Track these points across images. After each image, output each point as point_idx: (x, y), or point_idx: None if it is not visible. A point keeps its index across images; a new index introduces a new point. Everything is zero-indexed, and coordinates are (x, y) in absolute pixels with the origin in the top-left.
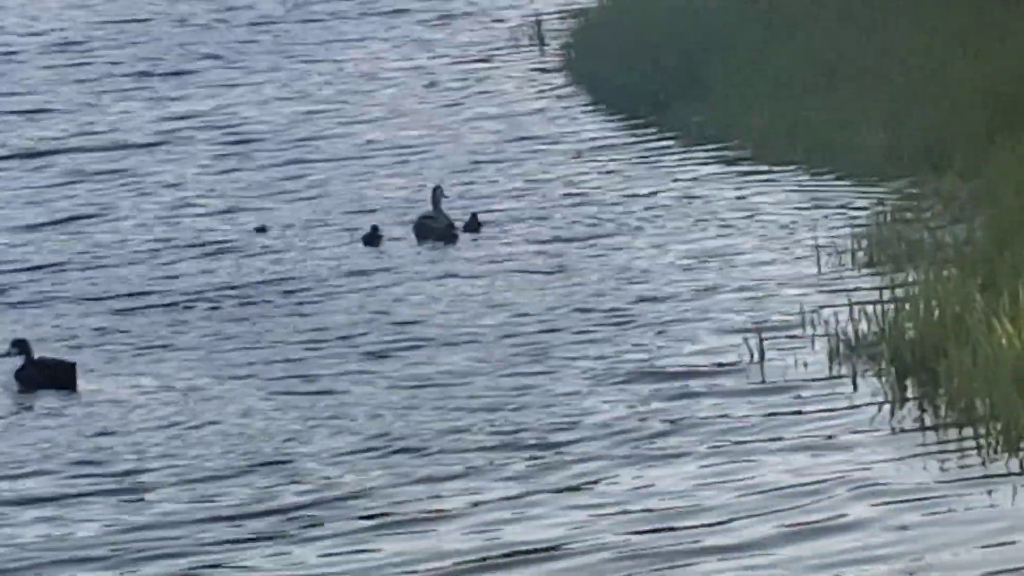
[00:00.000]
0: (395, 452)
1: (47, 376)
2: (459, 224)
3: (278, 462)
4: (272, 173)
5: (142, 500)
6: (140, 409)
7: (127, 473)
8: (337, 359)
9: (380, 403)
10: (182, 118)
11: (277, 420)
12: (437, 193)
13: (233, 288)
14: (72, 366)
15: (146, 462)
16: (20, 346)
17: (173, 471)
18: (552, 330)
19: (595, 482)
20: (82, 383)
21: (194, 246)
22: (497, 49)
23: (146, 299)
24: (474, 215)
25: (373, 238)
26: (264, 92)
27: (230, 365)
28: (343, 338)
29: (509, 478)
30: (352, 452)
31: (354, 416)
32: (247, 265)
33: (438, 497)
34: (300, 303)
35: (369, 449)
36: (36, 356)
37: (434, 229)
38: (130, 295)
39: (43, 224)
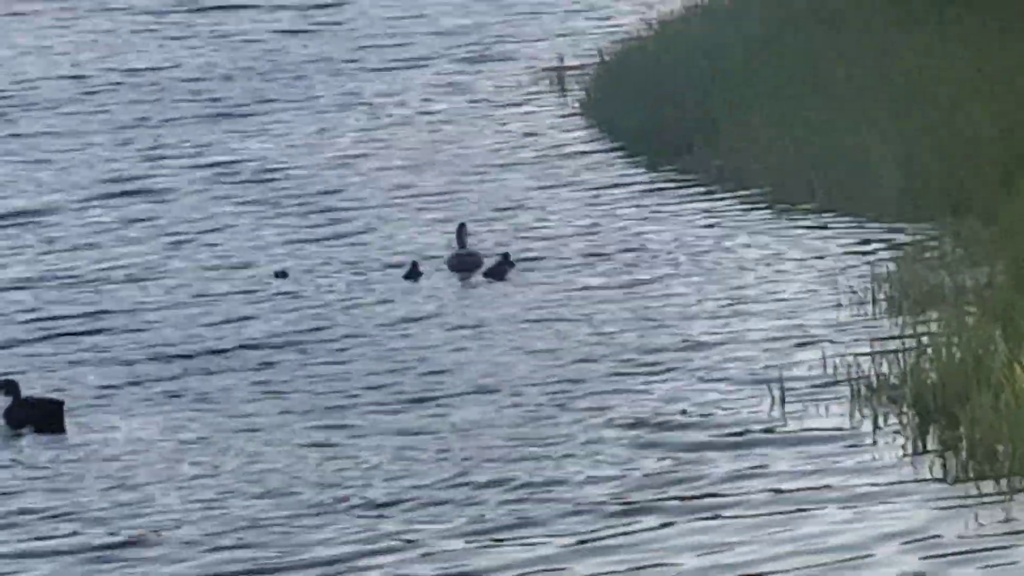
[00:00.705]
0: (418, 506)
1: (34, 416)
2: (488, 262)
3: (280, 517)
4: (297, 218)
5: (121, 552)
6: (130, 454)
7: (100, 520)
8: (356, 406)
9: (403, 453)
10: (206, 166)
11: (281, 471)
12: (462, 231)
13: (248, 334)
14: (60, 405)
15: (129, 509)
16: (7, 387)
17: (158, 520)
18: (574, 380)
19: (624, 534)
20: (72, 424)
21: (208, 293)
22: (518, 94)
23: (155, 344)
24: (506, 255)
25: (413, 273)
26: (291, 138)
27: (237, 414)
28: (365, 386)
29: (540, 533)
30: (371, 506)
31: (376, 465)
32: (264, 310)
33: (463, 551)
34: (315, 350)
35: (389, 504)
36: (24, 395)
37: (468, 263)
38: (138, 341)
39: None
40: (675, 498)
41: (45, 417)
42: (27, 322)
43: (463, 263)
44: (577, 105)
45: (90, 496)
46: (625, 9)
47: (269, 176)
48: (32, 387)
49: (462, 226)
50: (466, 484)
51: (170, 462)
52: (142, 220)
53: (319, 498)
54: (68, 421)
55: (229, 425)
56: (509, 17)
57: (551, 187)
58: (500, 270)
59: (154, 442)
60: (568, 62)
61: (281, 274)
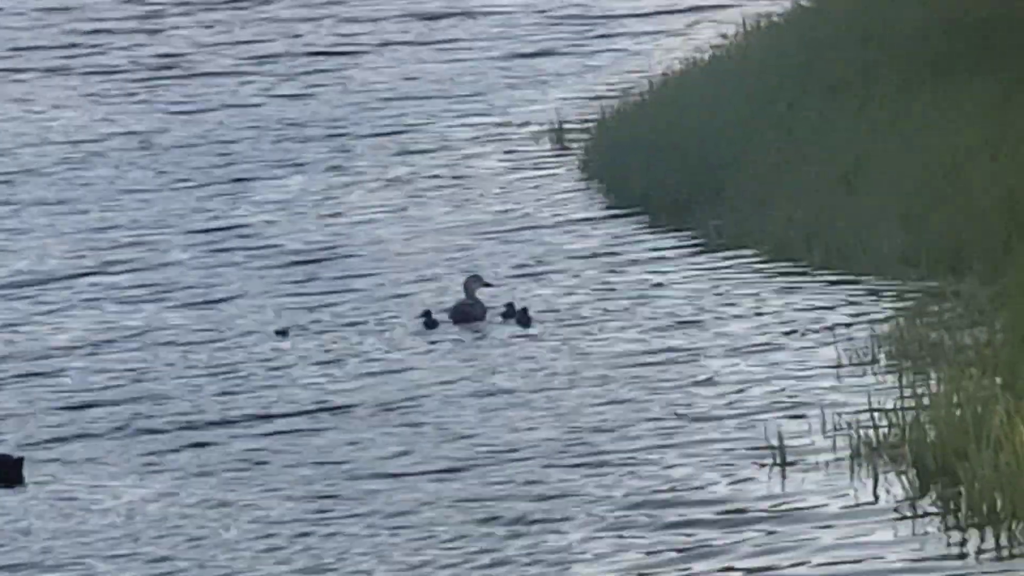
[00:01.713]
0: None
1: None
2: (496, 315)
3: None
4: (298, 280)
5: None
6: (86, 512)
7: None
8: (352, 475)
9: (407, 525)
10: (207, 231)
11: (247, 541)
12: (471, 283)
13: (241, 395)
14: (19, 462)
15: (83, 567)
16: None
17: None
18: (569, 448)
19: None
20: (32, 480)
21: (205, 354)
22: (519, 154)
23: (141, 406)
24: (524, 310)
25: (429, 322)
26: (291, 200)
27: (219, 480)
28: (357, 455)
29: None
30: None
31: (365, 541)
32: (262, 368)
33: None
34: (313, 411)
35: None
36: None
37: (471, 313)
38: (117, 398)
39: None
40: (680, 569)
41: (3, 473)
42: (17, 384)
43: (466, 314)
44: (577, 164)
45: (43, 555)
46: (625, 68)
47: (267, 239)
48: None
49: (473, 278)
50: (462, 561)
51: (131, 524)
52: (138, 285)
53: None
54: (28, 477)
55: (212, 491)
56: (509, 78)
57: (549, 247)
58: (525, 316)
59: (121, 503)
60: (568, 122)
61: (282, 332)
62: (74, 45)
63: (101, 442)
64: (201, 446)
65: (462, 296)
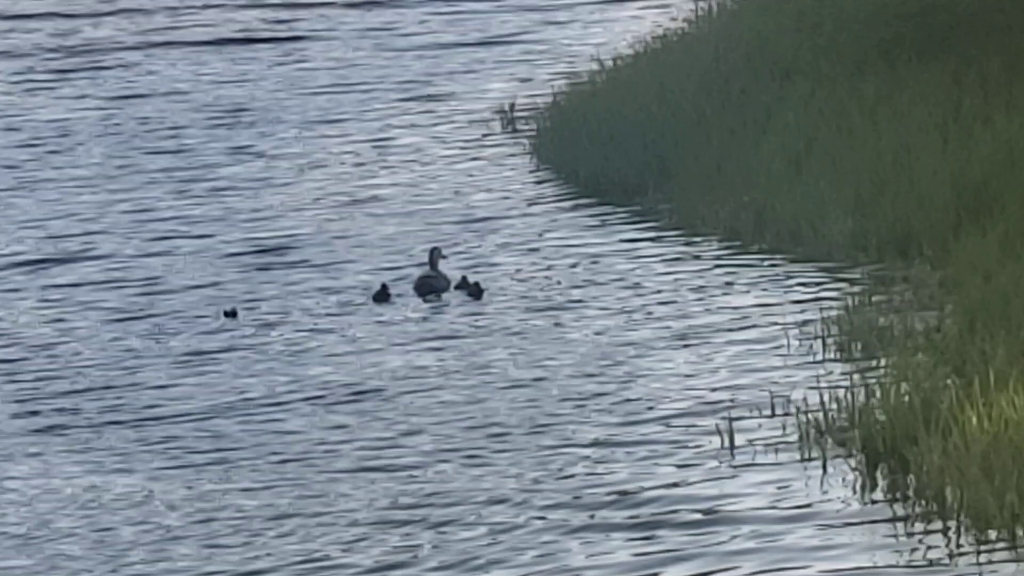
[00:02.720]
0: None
1: None
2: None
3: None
4: (240, 268)
5: None
6: (48, 506)
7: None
8: (319, 460)
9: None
10: (156, 220)
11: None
12: (435, 255)
13: (192, 379)
14: None
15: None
16: None
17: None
18: (518, 406)
19: (551, 554)
20: None
21: (152, 335)
22: (470, 136)
23: (92, 395)
24: (476, 283)
25: (383, 295)
26: (229, 189)
27: (179, 471)
28: (322, 439)
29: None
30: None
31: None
32: (212, 350)
33: None
34: (267, 391)
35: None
36: None
37: (435, 287)
38: (69, 389)
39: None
40: (612, 525)
41: None
42: None
43: (430, 285)
44: (529, 147)
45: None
46: (577, 52)
47: (212, 227)
48: None
49: (435, 250)
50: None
51: (94, 517)
52: (83, 277)
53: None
54: None
55: (170, 482)
56: (460, 61)
57: (499, 230)
58: (478, 289)
59: (81, 495)
60: (519, 107)
61: (230, 314)
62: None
63: (59, 434)
64: (166, 438)
65: (426, 268)
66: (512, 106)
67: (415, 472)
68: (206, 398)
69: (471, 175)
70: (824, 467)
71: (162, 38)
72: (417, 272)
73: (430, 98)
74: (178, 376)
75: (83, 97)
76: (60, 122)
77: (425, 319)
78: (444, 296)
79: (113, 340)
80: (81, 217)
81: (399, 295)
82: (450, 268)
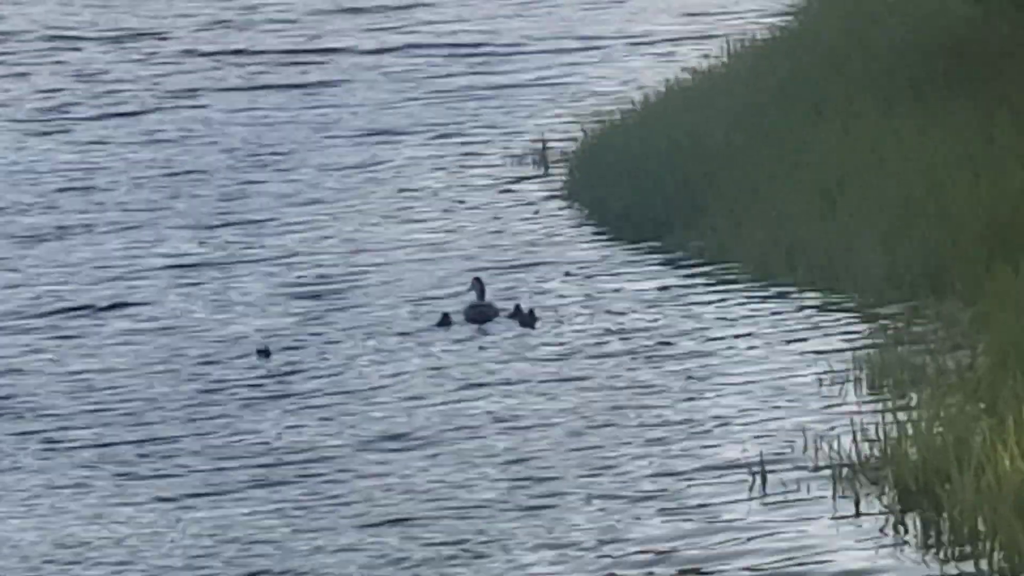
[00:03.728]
0: None
1: None
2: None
3: None
4: (281, 298)
5: None
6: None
7: None
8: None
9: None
10: (185, 254)
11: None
12: (480, 284)
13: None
14: None
15: None
16: None
17: None
18: (554, 447)
19: None
20: None
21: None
22: (501, 174)
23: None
24: (531, 311)
25: (445, 322)
26: (261, 223)
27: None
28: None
29: None
30: None
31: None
32: (240, 386)
33: None
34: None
35: None
36: None
37: (487, 315)
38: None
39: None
40: (649, 567)
41: None
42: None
43: (481, 314)
44: (561, 185)
45: None
46: (607, 91)
47: (248, 252)
48: None
49: (478, 279)
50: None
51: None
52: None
53: None
54: None
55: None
56: (490, 99)
57: (531, 266)
58: (531, 318)
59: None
60: (551, 142)
61: (264, 352)
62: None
63: (98, 478)
64: (203, 471)
65: (471, 298)
66: (544, 145)
67: (455, 520)
68: (251, 441)
69: (503, 214)
70: (856, 505)
71: (191, 83)
72: (460, 303)
73: (461, 138)
74: (216, 418)
75: (104, 142)
76: (81, 166)
77: (482, 348)
78: (495, 325)
79: (152, 386)
80: (110, 263)
81: (456, 323)
82: (494, 299)
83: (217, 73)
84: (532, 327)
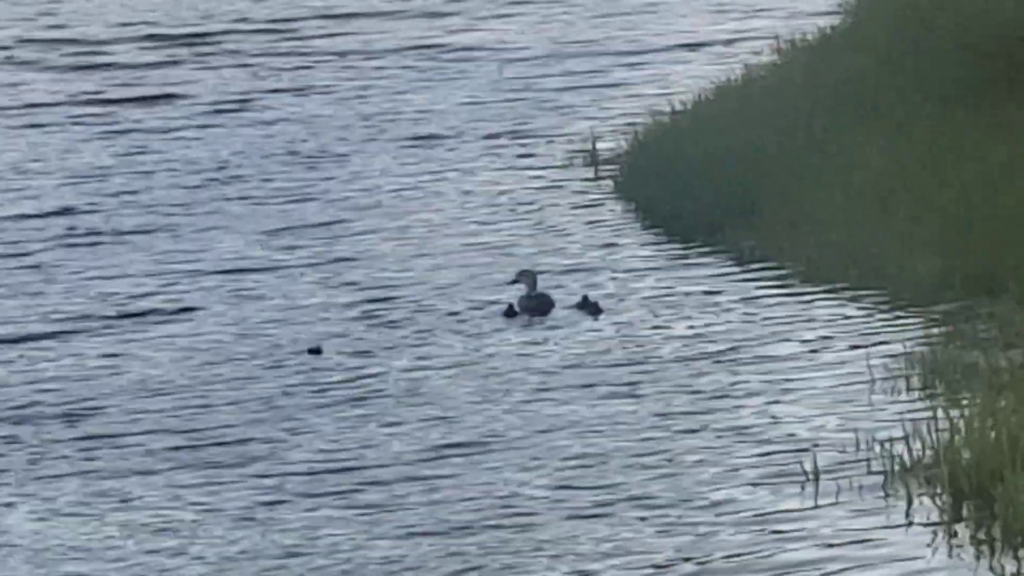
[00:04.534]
0: None
1: None
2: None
3: None
4: (340, 301)
5: None
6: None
7: None
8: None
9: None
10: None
11: None
12: (529, 276)
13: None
14: None
15: None
16: None
17: None
18: (604, 457)
19: None
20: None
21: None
22: (551, 175)
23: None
24: (596, 303)
25: (511, 312)
26: (330, 215)
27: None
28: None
29: None
30: None
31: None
32: (292, 385)
33: None
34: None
35: None
36: None
37: (545, 304)
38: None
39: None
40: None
41: None
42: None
43: (541, 304)
44: (612, 186)
45: None
46: (657, 91)
47: (298, 267)
48: None
49: (525, 272)
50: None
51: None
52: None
53: None
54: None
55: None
56: (540, 101)
57: (583, 269)
58: (597, 308)
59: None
60: (601, 145)
61: (315, 351)
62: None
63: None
64: (280, 489)
65: (523, 291)
66: (595, 145)
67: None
68: (313, 448)
69: (555, 215)
70: (909, 505)
71: (244, 86)
72: (512, 296)
73: (512, 140)
74: (277, 422)
75: (156, 143)
76: (138, 169)
77: (545, 348)
78: (555, 315)
79: (211, 391)
80: (167, 266)
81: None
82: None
83: (270, 75)
84: (597, 317)
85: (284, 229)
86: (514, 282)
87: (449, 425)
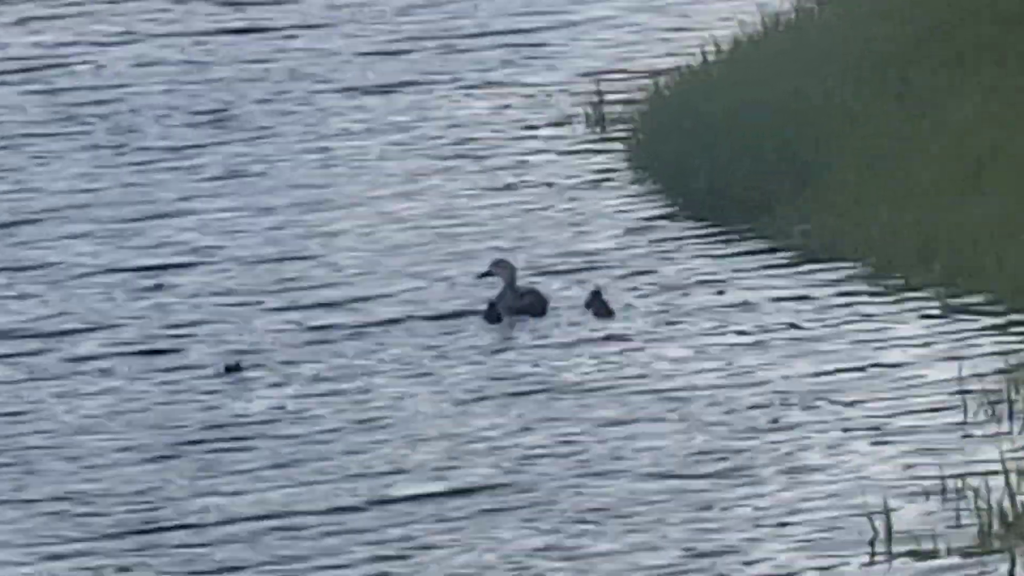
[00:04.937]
0: None
1: None
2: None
3: None
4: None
5: None
6: None
7: None
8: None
9: None
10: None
11: None
12: (506, 268)
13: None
14: None
15: None
16: None
17: None
18: (669, 475)
19: None
20: None
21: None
22: (546, 136)
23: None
24: (606, 302)
25: (491, 315)
26: (293, 171)
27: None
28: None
29: None
30: None
31: None
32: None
33: None
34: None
35: None
36: None
37: (538, 303)
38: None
39: None
40: None
41: None
42: None
43: (532, 304)
44: (622, 153)
45: None
46: (683, 30)
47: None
48: None
49: (501, 261)
50: None
51: None
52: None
53: None
54: None
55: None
56: (526, 45)
57: (590, 254)
58: (606, 306)
59: None
60: (610, 99)
61: (233, 368)
62: None
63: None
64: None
65: (499, 286)
66: (600, 98)
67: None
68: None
69: (547, 190)
70: (1012, 567)
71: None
72: (489, 292)
73: (500, 89)
74: (183, 470)
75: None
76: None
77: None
78: (551, 317)
79: (100, 424)
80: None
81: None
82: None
83: (144, 21)
84: (606, 320)
85: (190, 213)
86: (486, 275)
87: (409, 469)
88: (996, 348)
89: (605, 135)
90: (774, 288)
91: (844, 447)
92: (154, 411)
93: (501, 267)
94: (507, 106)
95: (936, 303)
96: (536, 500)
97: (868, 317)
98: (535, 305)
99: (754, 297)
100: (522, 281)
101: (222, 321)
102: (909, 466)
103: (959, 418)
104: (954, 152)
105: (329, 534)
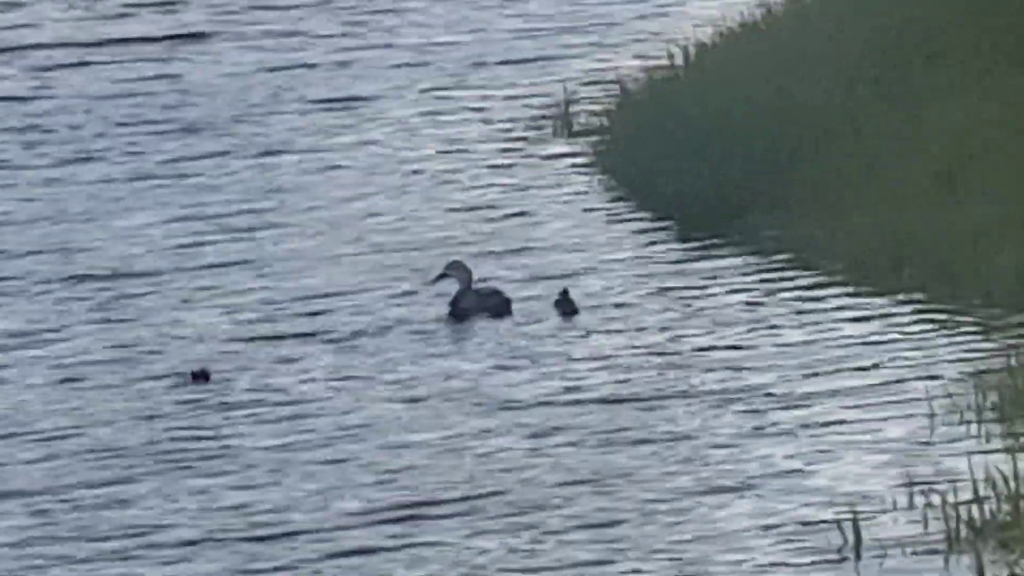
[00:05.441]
0: None
1: None
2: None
3: None
4: (242, 290)
5: None
6: None
7: None
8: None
9: None
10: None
11: None
12: (461, 268)
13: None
14: None
15: None
16: None
17: None
18: (622, 498)
19: None
20: None
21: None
22: (512, 142)
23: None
24: (572, 301)
25: (457, 313)
26: (203, 198)
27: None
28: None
29: None
30: None
31: None
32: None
33: None
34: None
35: None
36: None
37: (501, 303)
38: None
39: None
40: None
41: None
42: None
43: (498, 305)
44: (591, 154)
45: None
46: (652, 32)
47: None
48: None
49: (456, 263)
50: None
51: None
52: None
53: None
54: None
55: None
56: (492, 43)
57: (555, 263)
58: (571, 305)
59: None
60: (577, 103)
61: (201, 375)
62: None
63: None
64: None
65: (456, 287)
66: (567, 101)
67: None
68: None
69: (511, 194)
70: (980, 573)
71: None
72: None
73: (456, 96)
74: (151, 477)
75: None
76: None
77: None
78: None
79: (70, 432)
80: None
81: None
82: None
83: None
84: (571, 319)
85: (162, 222)
86: (441, 278)
87: (387, 479)
88: (965, 355)
89: (572, 139)
90: (742, 293)
91: (813, 454)
92: (120, 421)
93: (456, 268)
94: (477, 109)
95: (907, 309)
96: (514, 511)
97: (839, 321)
98: (500, 306)
99: (722, 303)
100: (490, 283)
101: (185, 333)
102: (877, 473)
103: (926, 421)
104: (926, 156)
105: (301, 544)
